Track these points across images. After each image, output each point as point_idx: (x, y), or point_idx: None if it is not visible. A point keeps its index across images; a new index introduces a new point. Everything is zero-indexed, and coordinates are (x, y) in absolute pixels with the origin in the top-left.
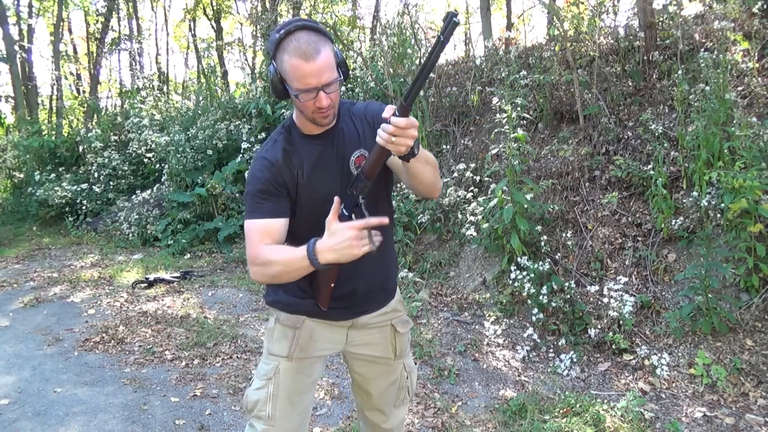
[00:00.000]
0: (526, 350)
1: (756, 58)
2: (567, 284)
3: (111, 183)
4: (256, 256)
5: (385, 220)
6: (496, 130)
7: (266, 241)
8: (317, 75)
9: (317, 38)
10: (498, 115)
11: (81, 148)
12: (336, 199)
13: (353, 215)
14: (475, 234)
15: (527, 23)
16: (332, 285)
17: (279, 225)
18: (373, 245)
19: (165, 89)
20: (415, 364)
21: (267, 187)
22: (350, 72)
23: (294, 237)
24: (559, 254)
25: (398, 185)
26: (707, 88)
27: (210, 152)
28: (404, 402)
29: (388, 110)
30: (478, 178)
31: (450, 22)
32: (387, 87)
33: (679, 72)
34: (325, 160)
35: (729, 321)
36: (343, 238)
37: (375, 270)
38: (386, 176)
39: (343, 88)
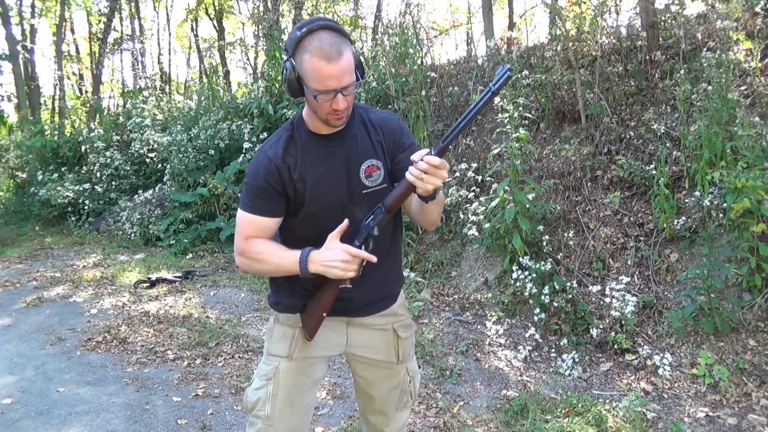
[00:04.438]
0: (528, 350)
1: (759, 57)
2: (569, 284)
3: (113, 183)
4: (247, 249)
5: (373, 258)
6: (498, 130)
7: (256, 235)
8: (338, 78)
9: (339, 39)
10: (500, 115)
11: (83, 148)
12: (345, 222)
13: (363, 246)
14: (476, 234)
15: (529, 23)
16: (324, 314)
17: (271, 223)
18: (356, 275)
19: (167, 89)
20: (418, 364)
21: (265, 186)
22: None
23: (291, 234)
24: (561, 254)
25: None
26: (710, 87)
27: (212, 152)
28: (407, 405)
29: (418, 155)
30: (479, 177)
31: (503, 75)
32: (389, 87)
33: (682, 72)
34: (333, 163)
35: (731, 321)
36: (334, 257)
37: (377, 283)
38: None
39: None
